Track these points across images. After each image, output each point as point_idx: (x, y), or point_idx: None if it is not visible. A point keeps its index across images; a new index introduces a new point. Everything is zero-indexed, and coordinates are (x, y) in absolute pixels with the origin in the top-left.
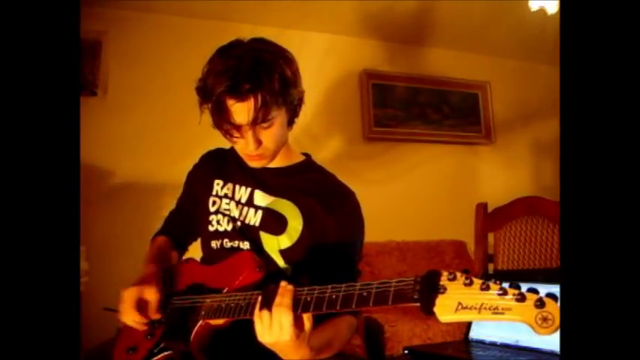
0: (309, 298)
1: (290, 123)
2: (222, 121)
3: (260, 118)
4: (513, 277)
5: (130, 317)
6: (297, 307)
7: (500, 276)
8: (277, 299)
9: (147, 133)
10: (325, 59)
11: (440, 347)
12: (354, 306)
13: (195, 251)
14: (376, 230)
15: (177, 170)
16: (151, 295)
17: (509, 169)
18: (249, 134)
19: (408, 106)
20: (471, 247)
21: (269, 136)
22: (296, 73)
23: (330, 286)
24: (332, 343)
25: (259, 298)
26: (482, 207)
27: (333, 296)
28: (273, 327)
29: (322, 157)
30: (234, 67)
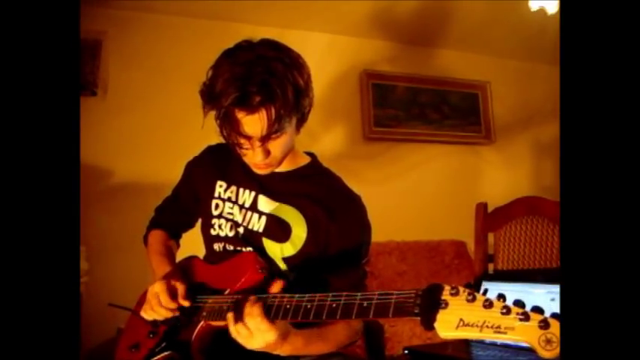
0: (309, 306)
1: (298, 128)
2: (231, 132)
3: (273, 132)
4: (513, 277)
5: (168, 306)
6: (298, 314)
7: (500, 276)
8: (247, 309)
9: (146, 133)
10: (325, 59)
11: (440, 347)
12: (353, 316)
13: (195, 246)
14: (376, 230)
15: (177, 170)
16: (179, 285)
17: (510, 169)
18: (259, 146)
19: (408, 106)
20: (470, 247)
21: (278, 145)
22: (308, 81)
23: (330, 294)
24: (325, 335)
25: (230, 315)
26: (482, 207)
27: (334, 305)
28: (255, 336)
29: (322, 156)
30: (243, 76)
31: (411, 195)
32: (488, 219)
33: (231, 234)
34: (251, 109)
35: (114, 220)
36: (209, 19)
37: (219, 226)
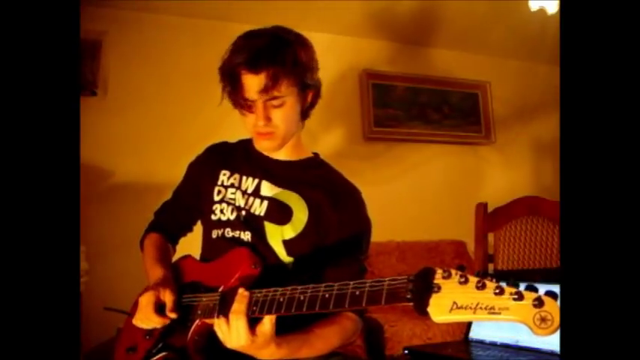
0: (302, 297)
1: (304, 115)
2: (235, 95)
3: (269, 88)
4: (513, 277)
5: (152, 321)
6: (291, 307)
7: (499, 276)
8: (234, 306)
9: (147, 133)
10: (325, 59)
11: (440, 347)
12: (347, 305)
13: (192, 247)
14: (376, 230)
15: (177, 170)
16: (168, 296)
17: (510, 169)
18: (260, 108)
19: (408, 106)
20: (470, 247)
21: (279, 115)
22: (311, 60)
23: (323, 285)
24: (311, 341)
25: (216, 306)
26: (482, 207)
27: (327, 295)
28: (232, 333)
29: (322, 156)
30: (254, 44)
31: (411, 195)
32: (488, 219)
33: (232, 217)
34: (255, 70)
35: (114, 220)
36: (209, 19)
37: (221, 211)
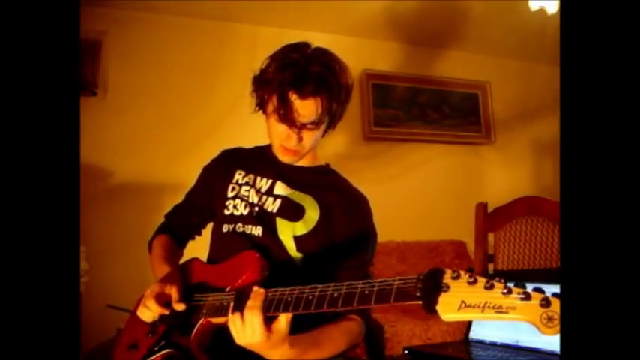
0: (310, 297)
1: (325, 131)
2: (287, 113)
3: (320, 121)
4: (513, 277)
5: (151, 309)
6: (299, 306)
7: (501, 276)
8: (249, 302)
9: (146, 133)
10: None
11: (440, 347)
12: (355, 304)
13: (198, 251)
14: (377, 230)
15: (177, 170)
16: (174, 289)
17: (510, 169)
18: (296, 130)
19: (408, 106)
20: (471, 247)
21: (311, 137)
22: (352, 90)
23: (332, 284)
24: (320, 343)
25: (231, 303)
26: (482, 207)
27: (335, 294)
28: (246, 329)
29: (322, 157)
30: (301, 63)
31: (411, 195)
32: (489, 219)
33: (245, 212)
34: (303, 95)
35: (114, 219)
36: (209, 19)
37: (234, 207)
